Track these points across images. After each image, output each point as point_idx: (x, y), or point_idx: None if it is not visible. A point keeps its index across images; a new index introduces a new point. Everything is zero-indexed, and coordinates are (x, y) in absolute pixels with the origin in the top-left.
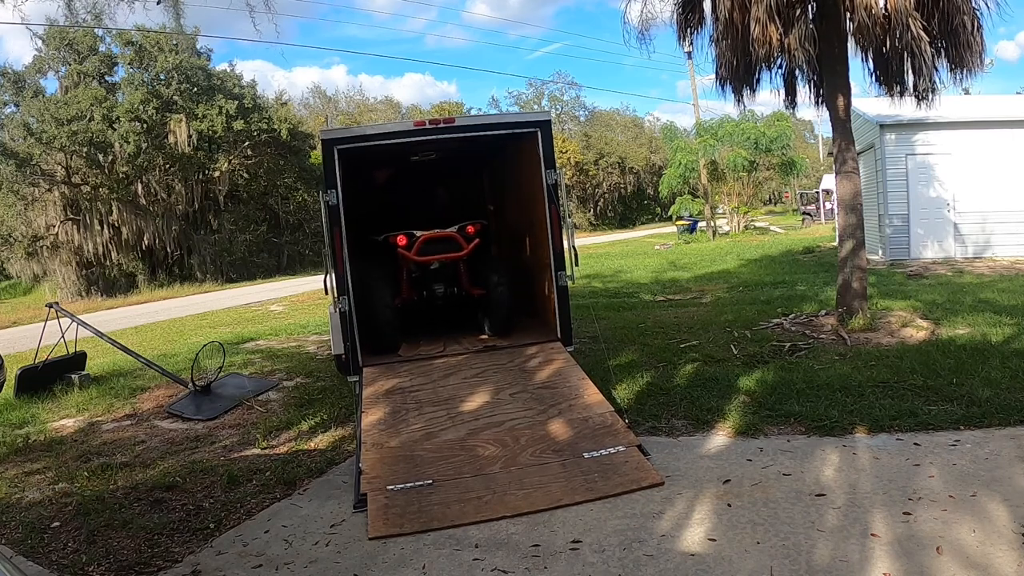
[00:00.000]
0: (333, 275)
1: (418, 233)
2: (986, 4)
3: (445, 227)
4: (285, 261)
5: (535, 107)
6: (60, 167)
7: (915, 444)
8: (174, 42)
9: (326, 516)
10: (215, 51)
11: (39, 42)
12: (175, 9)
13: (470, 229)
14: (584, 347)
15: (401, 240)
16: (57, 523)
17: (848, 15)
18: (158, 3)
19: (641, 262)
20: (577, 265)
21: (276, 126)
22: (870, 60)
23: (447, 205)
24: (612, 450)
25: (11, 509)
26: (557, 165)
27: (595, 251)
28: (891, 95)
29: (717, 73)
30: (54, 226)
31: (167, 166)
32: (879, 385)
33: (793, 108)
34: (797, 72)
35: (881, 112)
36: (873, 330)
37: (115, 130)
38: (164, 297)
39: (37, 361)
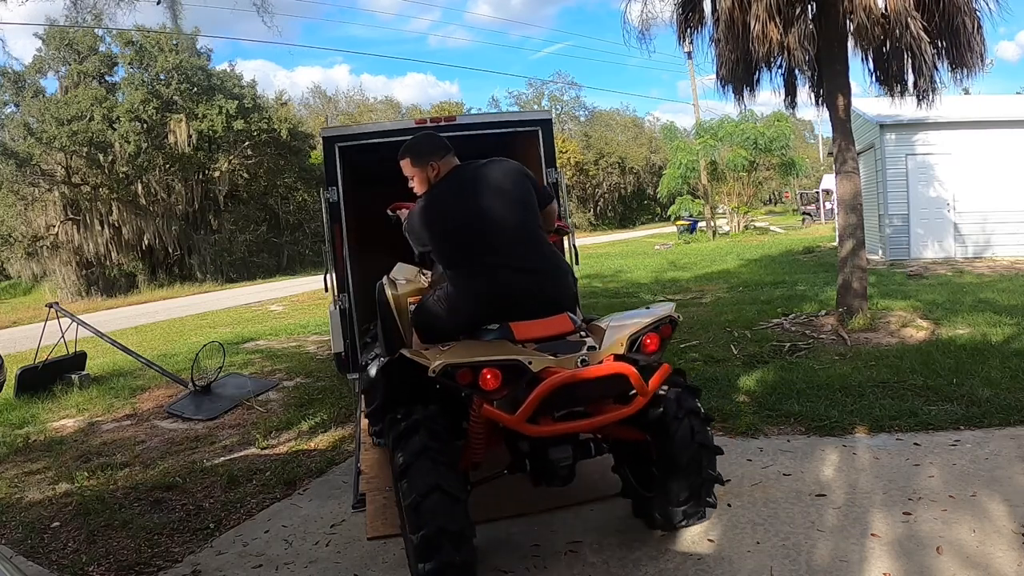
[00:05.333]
0: (333, 272)
1: (527, 359)
2: (986, 4)
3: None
4: (285, 261)
5: (535, 107)
6: (60, 167)
7: (915, 444)
8: (174, 42)
9: (326, 516)
10: (216, 51)
11: (39, 44)
12: (172, 10)
13: (651, 344)
14: None
15: (489, 380)
16: (57, 523)
17: (848, 15)
18: (158, 3)
19: (641, 262)
20: (577, 264)
21: (276, 126)
22: (870, 60)
23: None
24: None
25: (11, 509)
26: (557, 165)
27: (595, 251)
28: (891, 95)
29: (717, 73)
30: (54, 226)
31: (167, 166)
32: (879, 385)
33: (793, 108)
34: (797, 72)
35: (881, 112)
36: (873, 330)
37: (115, 130)
38: (164, 297)
39: (37, 361)
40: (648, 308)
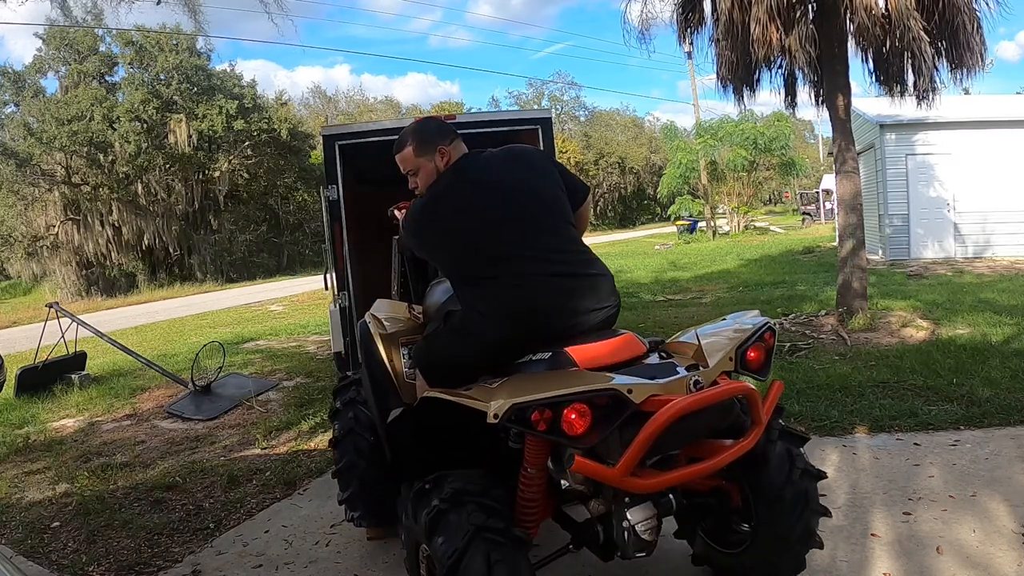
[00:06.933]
0: (333, 271)
1: (625, 387)
2: (986, 4)
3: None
4: (285, 261)
5: (535, 107)
6: (60, 167)
7: (915, 444)
8: (174, 42)
9: (326, 516)
10: (216, 51)
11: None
12: (190, 6)
13: (756, 358)
14: None
15: (575, 420)
16: (57, 523)
17: (848, 16)
18: (158, 3)
19: (641, 262)
20: None
21: (276, 126)
22: (870, 60)
23: None
24: None
25: (11, 509)
26: None
27: (595, 251)
28: (891, 95)
29: (718, 73)
30: (54, 226)
31: (167, 166)
32: (879, 385)
33: (793, 108)
34: (797, 72)
35: (881, 112)
36: (873, 330)
37: (115, 130)
38: (164, 297)
39: (37, 361)
40: (725, 319)
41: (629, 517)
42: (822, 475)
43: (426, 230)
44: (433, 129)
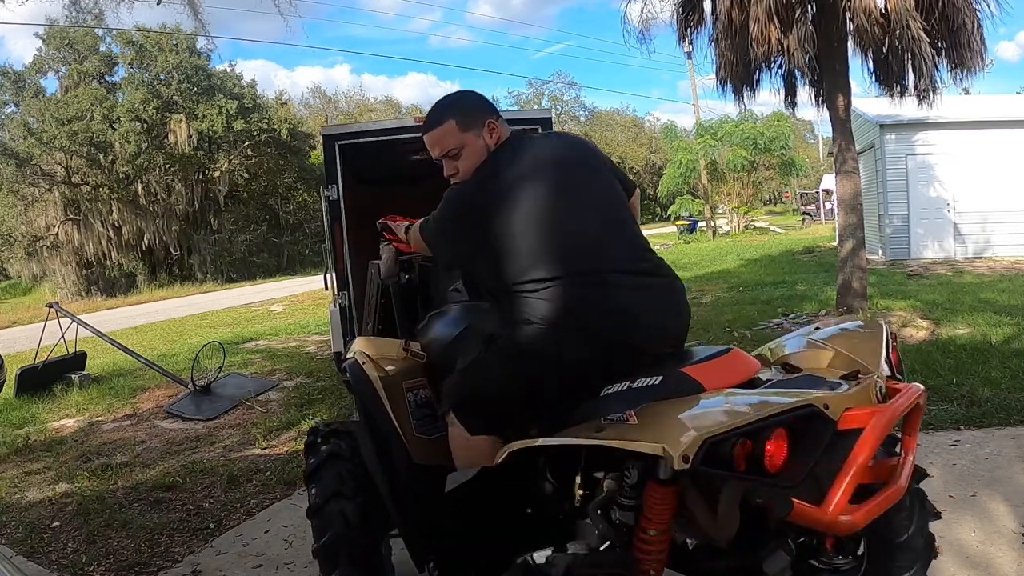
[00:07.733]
0: (333, 271)
1: (821, 401)
2: (986, 4)
3: None
4: (285, 261)
5: (535, 107)
6: (60, 167)
7: None
8: (174, 42)
9: None
10: (217, 50)
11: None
12: (191, 6)
13: (896, 361)
14: None
15: (774, 451)
16: (57, 523)
17: (848, 16)
18: (158, 3)
19: None
20: None
21: (276, 126)
22: (870, 60)
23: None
24: None
25: (11, 509)
26: None
27: None
28: (891, 95)
29: (717, 73)
30: (54, 226)
31: (167, 166)
32: None
33: (793, 108)
34: (797, 72)
35: (881, 112)
36: None
37: (115, 130)
38: (164, 297)
39: (37, 361)
40: (819, 326)
41: (767, 571)
42: (925, 473)
43: (477, 218)
44: (477, 100)
